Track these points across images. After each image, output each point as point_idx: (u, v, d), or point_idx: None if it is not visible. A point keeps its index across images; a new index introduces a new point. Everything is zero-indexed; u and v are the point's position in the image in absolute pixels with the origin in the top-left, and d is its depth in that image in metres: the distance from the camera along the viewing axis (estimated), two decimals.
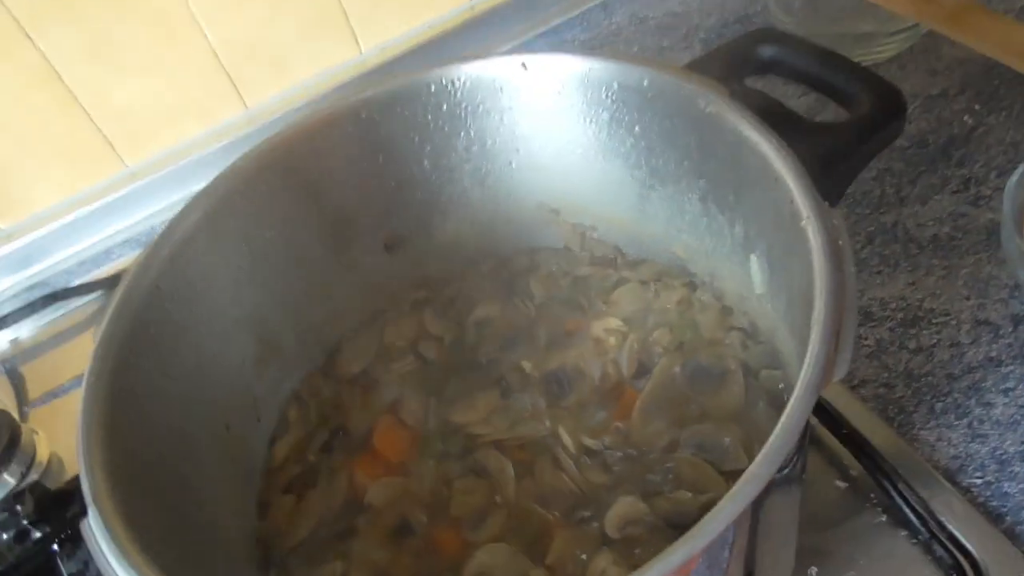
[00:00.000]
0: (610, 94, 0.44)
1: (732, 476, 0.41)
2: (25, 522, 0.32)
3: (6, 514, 0.32)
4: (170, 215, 0.82)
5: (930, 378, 0.55)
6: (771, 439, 0.27)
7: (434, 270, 0.54)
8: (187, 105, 0.84)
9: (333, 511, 0.46)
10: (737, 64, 0.42)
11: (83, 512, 0.32)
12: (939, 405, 0.54)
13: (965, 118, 0.70)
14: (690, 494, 0.40)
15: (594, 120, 0.46)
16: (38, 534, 0.32)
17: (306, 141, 0.47)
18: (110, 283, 0.80)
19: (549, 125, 0.48)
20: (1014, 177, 0.56)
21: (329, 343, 0.53)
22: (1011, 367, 0.55)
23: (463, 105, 0.47)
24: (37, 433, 0.51)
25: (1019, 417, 0.52)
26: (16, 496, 0.32)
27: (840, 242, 0.31)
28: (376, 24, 0.88)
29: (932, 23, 0.69)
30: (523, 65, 0.45)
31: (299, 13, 0.84)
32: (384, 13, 0.88)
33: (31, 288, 0.82)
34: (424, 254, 0.54)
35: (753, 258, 0.42)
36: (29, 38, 0.74)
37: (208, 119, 0.86)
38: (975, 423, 0.53)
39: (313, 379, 0.51)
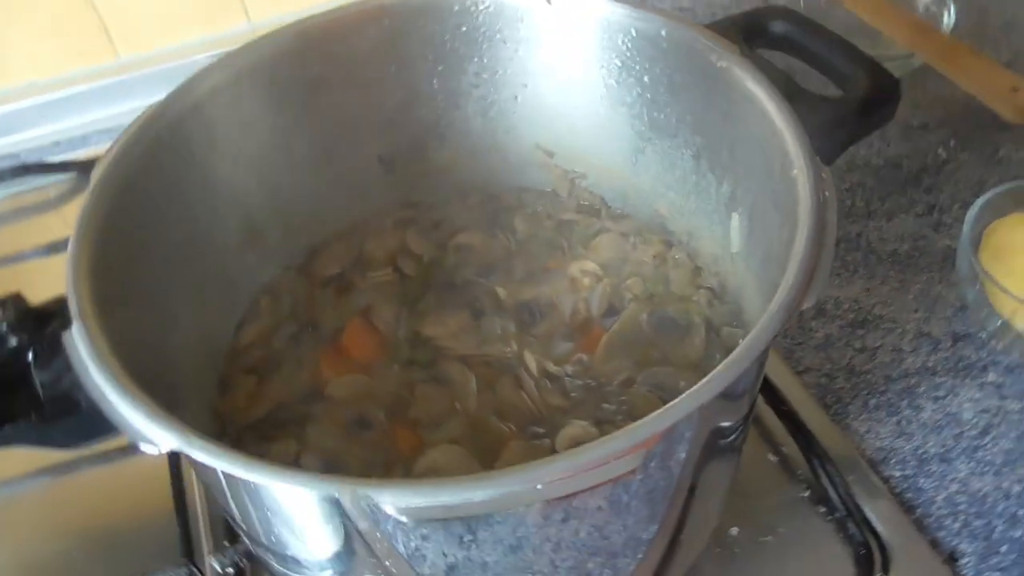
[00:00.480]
0: (626, 40, 0.46)
1: None
2: (4, 326, 0.32)
3: None
4: None
5: (869, 376, 0.59)
6: (741, 345, 0.29)
7: (423, 192, 0.55)
8: (193, 7, 0.84)
9: (293, 397, 0.46)
10: (751, 33, 0.44)
11: (65, 326, 0.32)
12: (873, 401, 0.57)
13: (939, 151, 0.74)
14: None
15: (606, 65, 0.48)
16: (14, 342, 0.32)
17: (326, 36, 0.47)
18: (83, 167, 0.79)
19: (561, 64, 0.49)
20: (975, 206, 0.60)
21: (311, 243, 0.53)
22: (944, 378, 0.58)
23: (482, 30, 0.49)
24: None
25: (944, 423, 0.56)
26: None
27: (827, 192, 0.34)
28: None
29: (926, 55, 0.73)
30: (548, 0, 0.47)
31: None
32: None
33: (1, 158, 0.80)
34: (416, 175, 0.55)
35: (735, 216, 0.44)
36: None
37: (210, 26, 0.86)
38: (903, 422, 0.56)
39: (289, 274, 0.52)
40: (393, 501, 0.25)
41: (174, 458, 0.52)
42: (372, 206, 0.55)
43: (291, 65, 0.48)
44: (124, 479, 0.54)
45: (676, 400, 0.29)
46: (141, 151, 0.41)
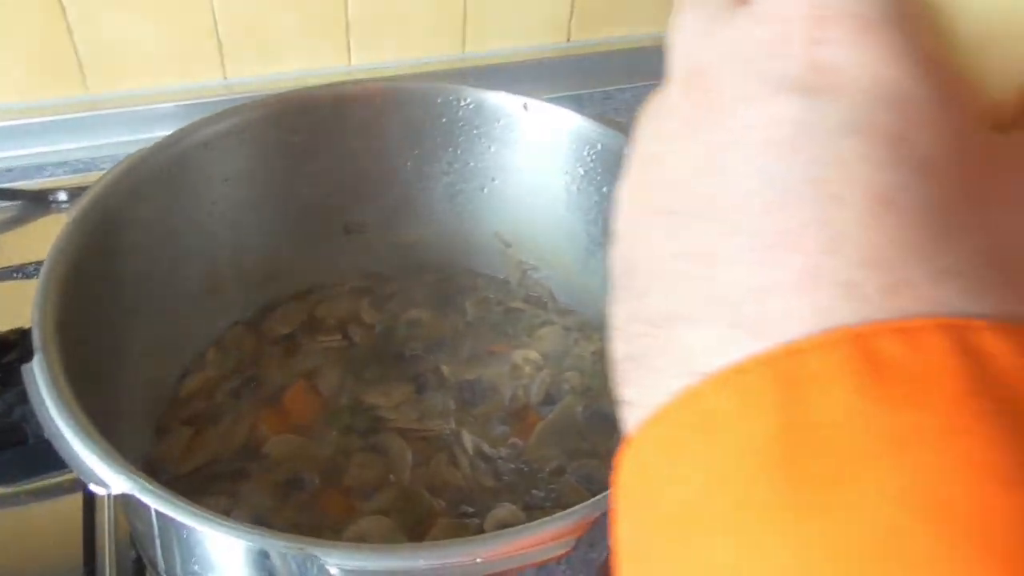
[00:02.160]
0: (592, 152, 0.50)
1: None
2: None
3: None
4: (115, 152, 0.82)
5: None
6: None
7: (383, 265, 0.57)
8: (170, 56, 0.85)
9: (228, 451, 0.47)
10: None
11: (21, 357, 0.32)
12: None
13: None
14: None
15: (570, 172, 0.51)
16: None
17: (318, 107, 0.50)
18: (32, 196, 0.79)
19: (529, 165, 0.53)
20: None
21: (265, 301, 0.54)
22: None
23: (461, 124, 0.52)
24: None
25: None
26: None
27: None
28: (373, 44, 0.93)
29: None
30: (524, 106, 0.50)
31: (306, 10, 0.88)
32: (383, 37, 0.93)
33: None
34: (378, 248, 0.57)
35: None
36: None
37: (185, 76, 0.87)
38: None
39: (239, 329, 0.53)
40: (339, 563, 0.26)
41: (89, 503, 0.51)
42: (331, 272, 0.56)
43: (280, 129, 0.50)
44: (32, 522, 0.53)
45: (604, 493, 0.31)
46: (123, 192, 0.42)
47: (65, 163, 0.83)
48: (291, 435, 0.48)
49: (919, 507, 0.14)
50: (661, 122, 0.20)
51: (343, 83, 0.51)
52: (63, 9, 0.78)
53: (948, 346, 0.15)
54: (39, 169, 0.82)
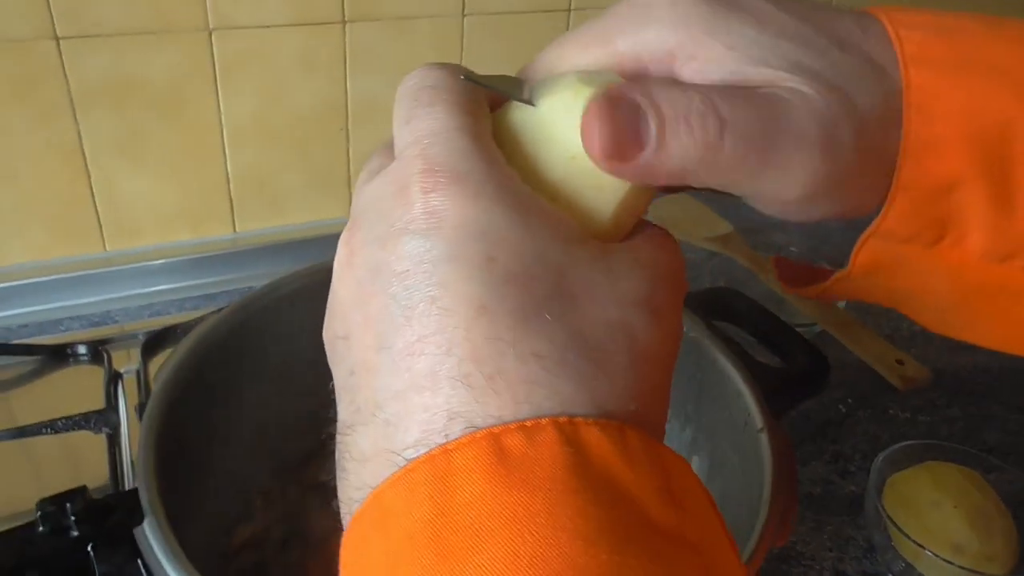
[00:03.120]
0: None
1: None
2: (71, 518, 0.34)
3: (54, 508, 0.35)
4: (126, 305, 0.86)
5: None
6: None
7: None
8: (184, 214, 0.91)
9: None
10: (709, 309, 0.55)
11: (128, 520, 0.35)
12: None
13: (840, 407, 0.85)
14: None
15: None
16: (78, 533, 0.34)
17: None
18: (49, 351, 0.81)
19: None
20: (878, 460, 0.70)
21: (303, 449, 0.57)
22: None
23: None
24: None
25: None
26: (66, 495, 0.35)
27: (788, 446, 0.42)
28: None
29: (826, 325, 0.87)
30: None
31: (312, 167, 0.95)
32: None
33: None
34: None
35: (696, 458, 0.52)
36: (75, 115, 0.80)
37: (198, 230, 0.92)
38: None
39: (283, 478, 0.55)
40: None
41: None
42: None
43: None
44: None
45: None
46: (200, 355, 0.46)
47: (81, 317, 0.86)
48: None
49: (525, 566, 0.19)
50: (336, 260, 0.26)
51: None
52: (88, 173, 0.84)
53: (558, 438, 0.20)
54: (55, 324, 0.85)
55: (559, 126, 0.25)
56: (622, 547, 0.19)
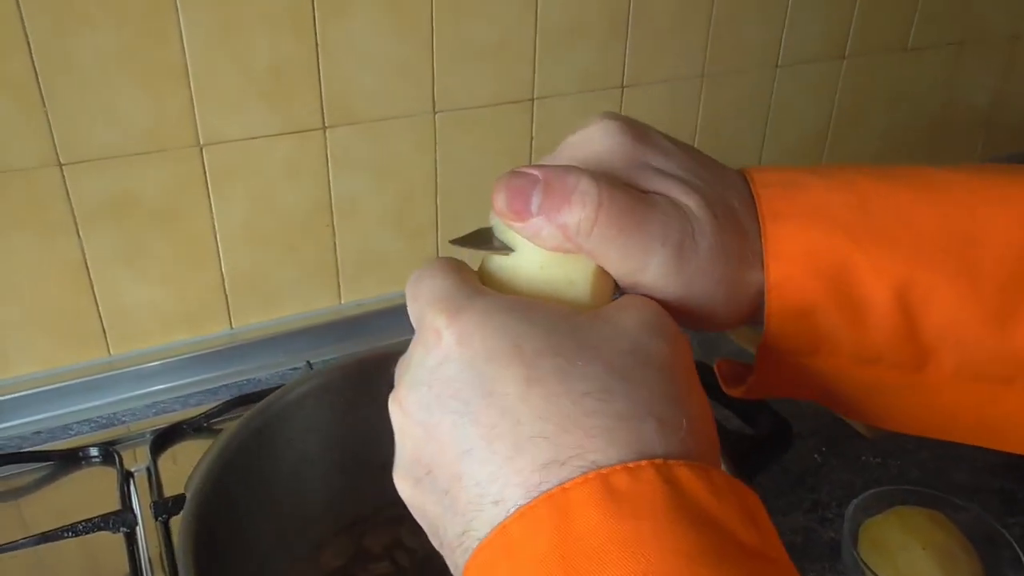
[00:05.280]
0: None
1: None
2: None
3: None
4: (131, 406, 0.90)
5: None
6: None
7: None
8: (183, 315, 0.95)
9: None
10: None
11: None
12: None
13: (815, 456, 0.90)
14: None
15: None
16: None
17: (367, 366, 0.60)
18: (61, 456, 0.84)
19: None
20: (851, 507, 0.75)
21: (317, 536, 0.61)
22: None
23: None
24: None
25: None
26: None
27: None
28: (358, 284, 1.05)
29: None
30: None
31: (302, 263, 1.00)
32: (367, 278, 1.05)
33: None
34: None
35: None
36: (78, 232, 0.85)
37: (196, 330, 0.97)
38: None
39: (300, 567, 0.59)
40: None
41: None
42: (370, 504, 0.64)
43: (359, 383, 0.59)
44: None
45: None
46: (225, 461, 0.50)
47: (88, 420, 0.90)
48: None
49: None
50: (393, 423, 0.31)
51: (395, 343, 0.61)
52: (92, 285, 0.88)
53: (657, 476, 0.26)
54: (65, 429, 0.88)
55: (525, 250, 0.33)
56: (719, 563, 0.24)
